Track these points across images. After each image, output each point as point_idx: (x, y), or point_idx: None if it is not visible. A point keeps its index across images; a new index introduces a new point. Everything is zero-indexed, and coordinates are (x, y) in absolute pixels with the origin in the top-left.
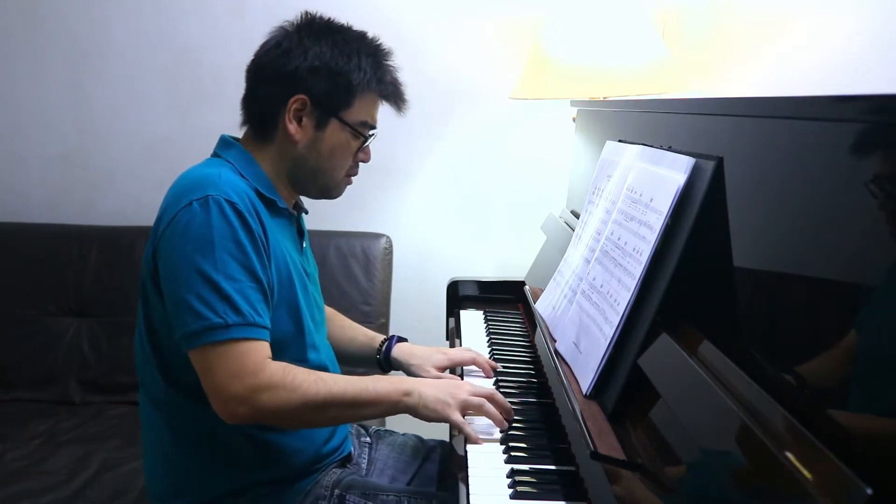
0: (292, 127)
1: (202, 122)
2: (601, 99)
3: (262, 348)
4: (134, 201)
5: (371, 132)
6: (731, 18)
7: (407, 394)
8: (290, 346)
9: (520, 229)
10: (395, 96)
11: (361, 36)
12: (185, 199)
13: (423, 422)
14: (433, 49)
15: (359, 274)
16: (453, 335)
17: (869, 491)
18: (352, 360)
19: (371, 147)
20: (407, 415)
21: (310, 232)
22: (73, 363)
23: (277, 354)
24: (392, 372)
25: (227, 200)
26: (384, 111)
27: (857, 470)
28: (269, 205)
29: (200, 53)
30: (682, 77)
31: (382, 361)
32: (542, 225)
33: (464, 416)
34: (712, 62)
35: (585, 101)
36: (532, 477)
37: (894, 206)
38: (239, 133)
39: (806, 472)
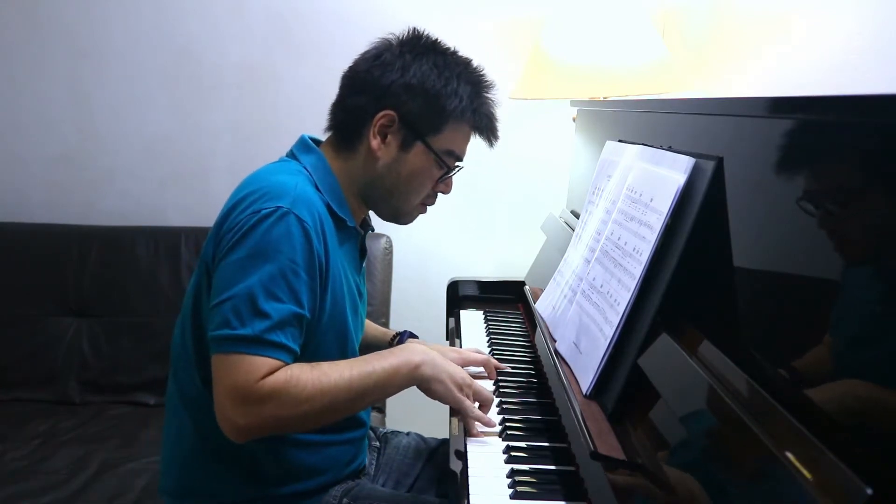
0: (375, 142)
1: (202, 122)
2: (601, 99)
3: (277, 367)
4: (134, 201)
5: (457, 164)
6: (731, 18)
7: (419, 365)
8: None
9: (520, 229)
10: (489, 130)
11: (466, 62)
12: (255, 206)
13: (425, 420)
14: None
15: None
16: (453, 335)
17: (869, 491)
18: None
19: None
20: (405, 400)
21: None
22: (73, 363)
23: None
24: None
25: (296, 216)
26: None
27: (857, 470)
28: (339, 223)
29: (200, 53)
30: (682, 77)
31: None
32: (542, 225)
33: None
34: (712, 62)
35: (585, 101)
36: (532, 477)
37: (893, 206)
38: (309, 135)
39: (806, 472)
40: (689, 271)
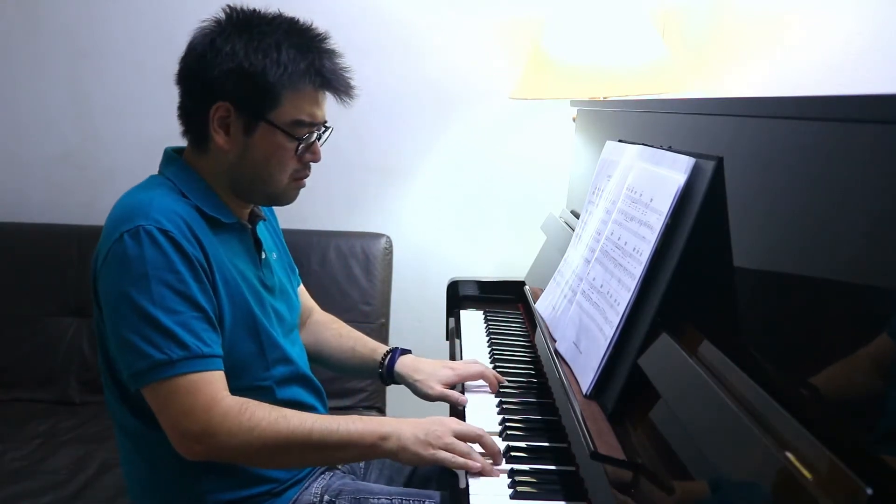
0: (220, 137)
1: None
2: (601, 99)
3: (214, 380)
4: None
5: (313, 131)
6: (731, 18)
7: (384, 438)
8: (254, 366)
9: (520, 229)
10: (335, 85)
11: (286, 25)
12: (117, 232)
13: (423, 410)
14: (433, 49)
15: (359, 274)
16: (453, 335)
17: (869, 491)
18: (352, 372)
19: (330, 144)
20: (404, 402)
21: (309, 232)
22: (73, 363)
23: (241, 376)
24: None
25: (159, 229)
26: (384, 112)
27: (857, 470)
28: (214, 222)
29: None
30: (682, 77)
31: (385, 375)
32: (542, 225)
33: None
34: (712, 62)
35: (585, 101)
36: (532, 477)
37: (894, 206)
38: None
39: (806, 473)
40: (689, 271)
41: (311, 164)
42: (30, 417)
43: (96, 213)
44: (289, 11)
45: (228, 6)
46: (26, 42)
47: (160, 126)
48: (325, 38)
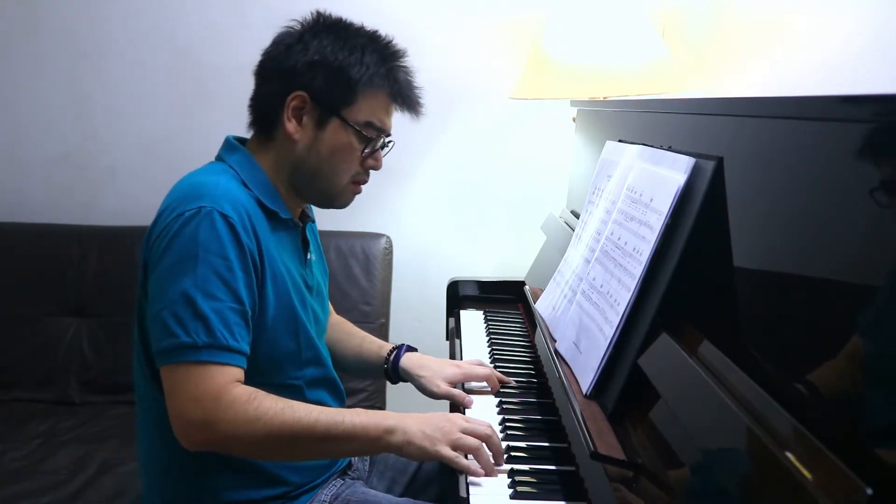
0: (291, 126)
1: (202, 122)
2: (601, 99)
3: (230, 373)
4: (134, 201)
5: (380, 137)
6: (731, 18)
7: (390, 431)
8: (289, 364)
9: (520, 229)
10: (407, 98)
11: (371, 35)
12: (178, 210)
13: (424, 410)
14: (433, 49)
15: (359, 274)
16: (453, 335)
17: (869, 491)
18: (358, 370)
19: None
20: (404, 402)
21: None
22: (73, 363)
23: (275, 373)
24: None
25: (220, 213)
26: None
27: (857, 470)
28: (272, 216)
29: (200, 53)
30: (682, 77)
31: (390, 371)
32: (542, 225)
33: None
34: (712, 62)
35: (585, 101)
36: (532, 477)
37: (893, 206)
38: (247, 134)
39: (806, 473)
40: (689, 271)
41: (371, 171)
42: (30, 417)
43: (96, 213)
44: (289, 11)
45: (317, 10)
46: (26, 42)
47: (160, 126)
48: (405, 55)
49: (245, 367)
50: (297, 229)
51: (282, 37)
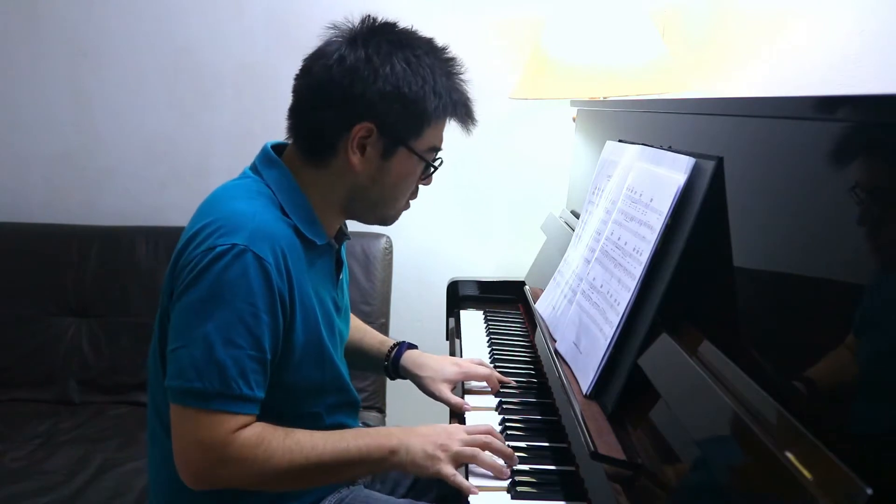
0: (356, 158)
1: (202, 122)
2: (601, 99)
3: (239, 420)
4: (134, 201)
5: (438, 156)
6: (731, 18)
7: (394, 452)
8: (311, 394)
9: (520, 229)
10: (467, 118)
11: (431, 47)
12: (210, 242)
13: (425, 421)
14: None
15: (359, 274)
16: (453, 335)
17: (869, 491)
18: (360, 365)
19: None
20: (406, 400)
21: None
22: (73, 363)
23: (297, 404)
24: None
25: (254, 254)
26: None
27: (857, 470)
28: (309, 245)
29: (200, 53)
30: (682, 77)
31: (390, 368)
32: (542, 225)
33: (458, 468)
34: (712, 62)
35: (585, 101)
36: (532, 477)
37: (893, 206)
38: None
39: (806, 472)
40: (689, 271)
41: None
42: (30, 417)
43: (96, 213)
44: (289, 11)
45: (368, 16)
46: (26, 42)
47: (160, 126)
48: (462, 65)
49: (257, 413)
50: (333, 250)
51: (340, 52)
